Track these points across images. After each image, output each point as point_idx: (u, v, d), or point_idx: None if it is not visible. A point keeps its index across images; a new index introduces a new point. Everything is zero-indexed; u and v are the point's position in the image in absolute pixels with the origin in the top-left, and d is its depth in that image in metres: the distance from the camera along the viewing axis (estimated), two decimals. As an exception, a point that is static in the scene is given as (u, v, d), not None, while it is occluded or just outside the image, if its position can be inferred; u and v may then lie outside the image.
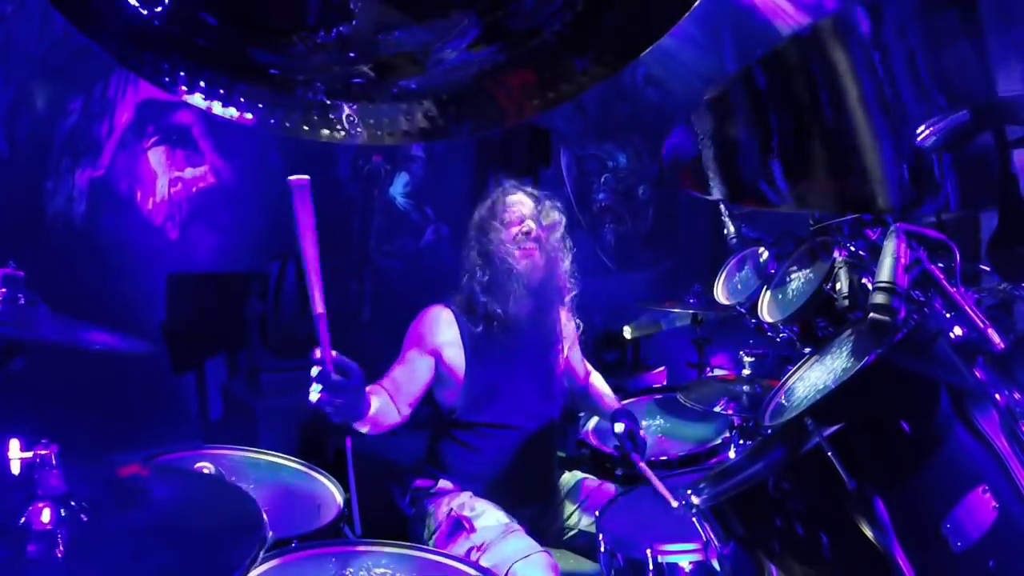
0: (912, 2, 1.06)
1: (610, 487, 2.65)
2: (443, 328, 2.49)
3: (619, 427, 2.56)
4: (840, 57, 1.25)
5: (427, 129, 1.06)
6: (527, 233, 2.50)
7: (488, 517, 2.32)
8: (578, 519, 2.57)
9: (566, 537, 2.56)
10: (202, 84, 1.01)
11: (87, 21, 0.93)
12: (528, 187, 2.67)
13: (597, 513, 2.20)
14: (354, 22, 0.92)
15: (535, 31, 0.95)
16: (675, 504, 2.08)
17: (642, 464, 2.41)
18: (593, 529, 2.19)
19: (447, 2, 0.93)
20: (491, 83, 1.00)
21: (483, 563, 2.15)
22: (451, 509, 2.38)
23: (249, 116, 1.04)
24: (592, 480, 2.70)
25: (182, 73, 0.98)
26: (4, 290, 1.92)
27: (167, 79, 0.99)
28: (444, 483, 2.51)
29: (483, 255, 2.51)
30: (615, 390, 3.01)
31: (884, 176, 1.57)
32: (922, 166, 1.41)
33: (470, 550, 2.22)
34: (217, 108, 1.02)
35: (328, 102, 1.04)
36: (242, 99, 1.03)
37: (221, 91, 1.02)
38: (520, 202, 2.58)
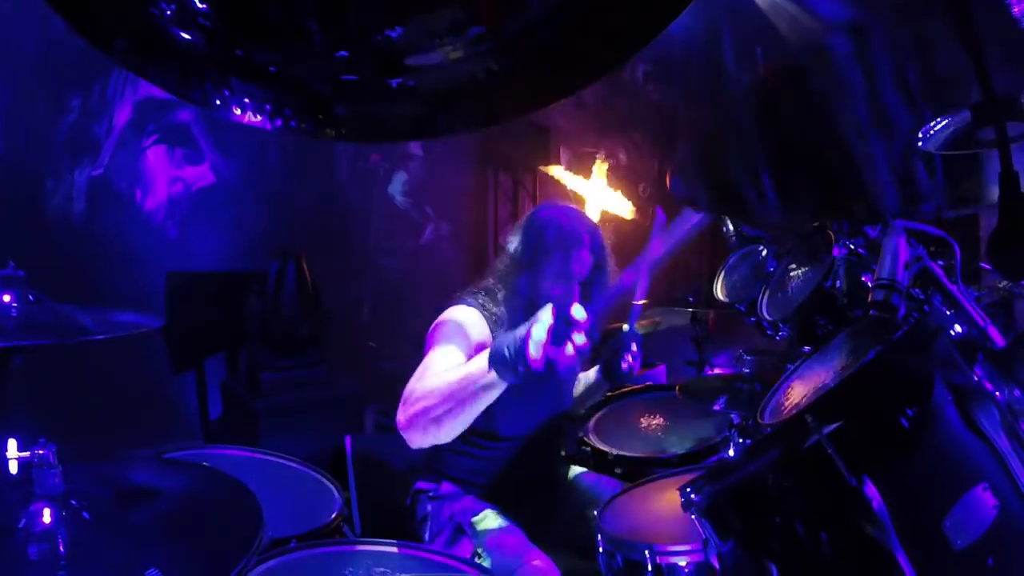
0: (897, 11, 1.05)
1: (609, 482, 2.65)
2: (479, 331, 2.30)
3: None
4: (825, 82, 1.24)
5: (418, 128, 1.06)
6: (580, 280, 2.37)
7: (488, 521, 2.32)
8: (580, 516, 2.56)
9: (566, 534, 2.55)
10: (208, 86, 1.00)
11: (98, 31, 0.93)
12: (594, 238, 2.43)
13: (596, 512, 2.19)
14: (348, 18, 0.92)
15: (532, 32, 0.95)
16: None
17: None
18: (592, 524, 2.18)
19: (442, 1, 0.93)
20: (486, 82, 0.99)
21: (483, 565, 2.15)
22: (452, 514, 2.37)
23: (258, 117, 1.03)
24: (590, 475, 2.70)
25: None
26: (12, 294, 1.93)
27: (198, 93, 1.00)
28: (447, 486, 2.49)
29: (531, 282, 2.35)
30: (615, 388, 3.01)
31: (877, 189, 1.57)
32: (913, 172, 1.40)
33: (474, 555, 2.22)
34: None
35: (325, 101, 1.04)
36: (247, 100, 1.02)
37: (226, 92, 1.02)
38: (585, 267, 2.37)
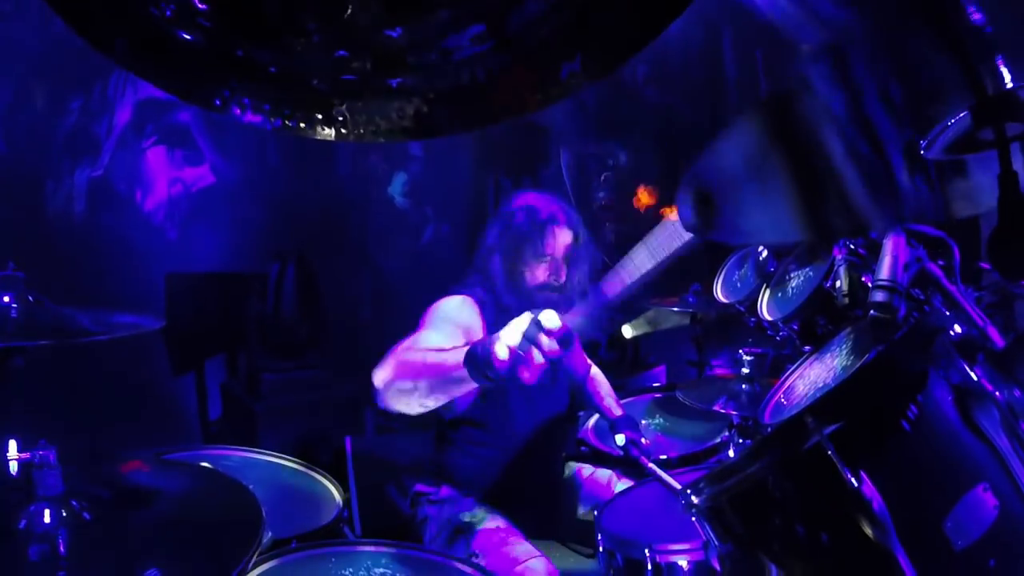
0: (879, 33, 1.04)
1: (603, 474, 2.65)
2: (469, 314, 2.38)
3: (620, 439, 2.47)
4: (808, 113, 1.22)
5: (418, 127, 1.06)
6: (557, 283, 2.43)
7: (486, 521, 2.32)
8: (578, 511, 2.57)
9: (567, 530, 2.55)
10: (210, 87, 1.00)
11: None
12: (568, 215, 2.50)
13: (595, 512, 2.19)
14: (348, 17, 0.92)
15: (532, 31, 0.95)
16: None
17: (651, 465, 2.36)
18: (591, 518, 2.18)
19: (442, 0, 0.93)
20: (485, 82, 0.99)
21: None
22: (451, 516, 2.37)
23: (257, 117, 1.03)
24: (585, 468, 2.70)
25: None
26: (12, 294, 1.93)
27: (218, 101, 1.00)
28: (447, 490, 2.49)
29: (509, 274, 2.44)
30: (615, 388, 3.01)
31: (869, 208, 1.55)
32: (907, 187, 1.39)
33: (470, 556, 2.22)
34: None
35: (324, 99, 1.04)
36: (246, 99, 1.03)
37: (226, 91, 1.02)
38: (561, 244, 2.45)
